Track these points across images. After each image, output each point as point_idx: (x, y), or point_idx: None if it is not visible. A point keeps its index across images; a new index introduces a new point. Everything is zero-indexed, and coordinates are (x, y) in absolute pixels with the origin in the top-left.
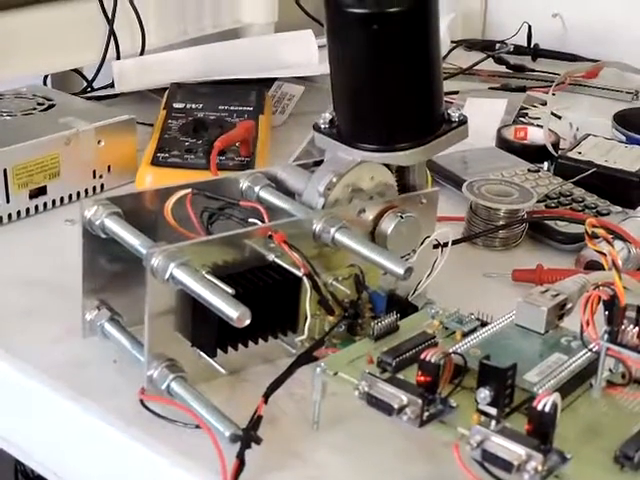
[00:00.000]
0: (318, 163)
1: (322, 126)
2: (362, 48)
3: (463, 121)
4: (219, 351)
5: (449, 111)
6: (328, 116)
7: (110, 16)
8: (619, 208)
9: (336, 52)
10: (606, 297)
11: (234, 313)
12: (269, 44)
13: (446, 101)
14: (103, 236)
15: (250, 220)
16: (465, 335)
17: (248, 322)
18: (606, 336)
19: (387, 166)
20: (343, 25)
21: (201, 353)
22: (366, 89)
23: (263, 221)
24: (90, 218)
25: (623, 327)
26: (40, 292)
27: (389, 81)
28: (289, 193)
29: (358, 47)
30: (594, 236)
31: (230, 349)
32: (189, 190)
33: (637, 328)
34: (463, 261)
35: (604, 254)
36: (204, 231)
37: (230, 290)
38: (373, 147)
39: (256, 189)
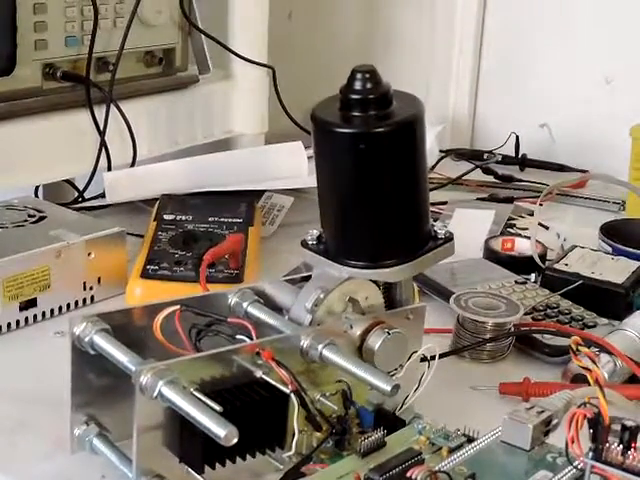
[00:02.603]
0: (306, 279)
1: (310, 243)
2: (349, 167)
3: (449, 238)
4: (206, 467)
5: (436, 228)
6: (315, 233)
7: (102, 127)
8: (605, 320)
9: (323, 170)
10: (591, 415)
11: (222, 432)
12: (259, 156)
13: (434, 211)
14: (92, 352)
15: (238, 336)
16: (451, 451)
17: (235, 441)
18: (591, 454)
19: (374, 281)
20: (330, 144)
21: (189, 469)
22: (353, 207)
23: (251, 337)
24: (79, 335)
25: (607, 445)
26: (28, 406)
27: (375, 200)
28: (277, 308)
29: (345, 166)
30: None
31: (218, 465)
32: (178, 306)
33: (621, 446)
34: (450, 374)
35: (589, 370)
36: (192, 347)
37: (218, 407)
38: (360, 264)
39: (244, 305)
